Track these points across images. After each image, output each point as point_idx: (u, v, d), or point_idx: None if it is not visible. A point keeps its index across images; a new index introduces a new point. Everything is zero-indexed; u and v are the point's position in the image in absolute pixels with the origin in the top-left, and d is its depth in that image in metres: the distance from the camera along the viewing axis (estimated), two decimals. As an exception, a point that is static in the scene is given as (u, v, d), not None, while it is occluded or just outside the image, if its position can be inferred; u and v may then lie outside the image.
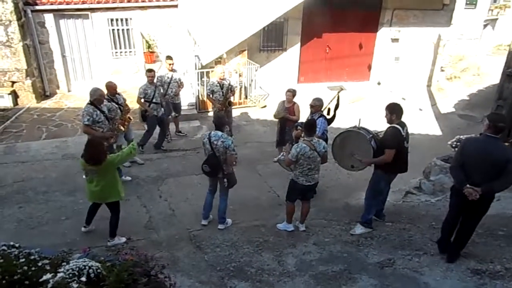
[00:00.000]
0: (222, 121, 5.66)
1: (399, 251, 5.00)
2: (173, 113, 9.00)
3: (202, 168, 5.59)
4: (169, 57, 8.64)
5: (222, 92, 8.36)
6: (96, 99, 6.40)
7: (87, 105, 6.43)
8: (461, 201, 4.31)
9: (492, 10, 17.63)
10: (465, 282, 4.33)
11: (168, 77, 8.52)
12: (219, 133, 5.46)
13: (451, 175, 4.43)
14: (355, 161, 5.46)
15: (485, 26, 17.64)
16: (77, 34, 11.90)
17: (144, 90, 7.87)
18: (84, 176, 5.30)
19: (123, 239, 5.54)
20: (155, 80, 8.15)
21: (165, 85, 8.51)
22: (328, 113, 6.78)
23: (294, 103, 7.60)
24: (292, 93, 7.59)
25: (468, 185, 4.14)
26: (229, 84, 8.58)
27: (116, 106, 7.08)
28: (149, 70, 8.05)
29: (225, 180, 5.63)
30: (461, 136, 6.67)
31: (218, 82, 8.38)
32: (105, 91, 6.97)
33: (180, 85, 8.73)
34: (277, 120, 7.89)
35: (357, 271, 4.67)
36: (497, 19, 18.35)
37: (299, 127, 6.36)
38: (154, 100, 7.90)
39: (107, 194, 5.26)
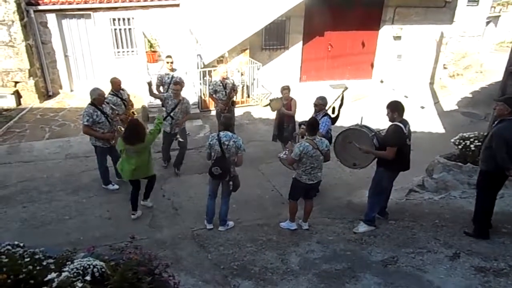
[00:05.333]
0: (231, 122, 5.63)
1: (402, 249, 5.00)
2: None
3: (212, 171, 5.42)
4: (168, 57, 8.59)
5: (225, 92, 8.34)
6: (96, 99, 6.43)
7: (88, 106, 6.47)
8: (500, 183, 4.94)
9: (494, 7, 17.56)
10: (469, 280, 4.32)
11: (168, 77, 8.46)
12: (229, 133, 5.44)
13: (500, 162, 4.62)
14: (357, 158, 5.46)
15: (487, 23, 17.55)
16: (80, 33, 11.92)
17: (166, 99, 7.38)
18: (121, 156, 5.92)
19: (151, 204, 6.38)
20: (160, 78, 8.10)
21: (165, 85, 8.48)
22: (333, 112, 6.76)
23: (292, 98, 7.62)
24: (288, 90, 7.60)
25: None
26: (233, 84, 8.56)
27: (121, 101, 7.21)
28: (175, 83, 7.39)
29: (231, 183, 5.57)
30: (464, 134, 6.67)
31: (221, 82, 8.36)
32: (110, 87, 7.18)
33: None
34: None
35: (361, 269, 4.67)
36: (499, 16, 18.28)
37: (302, 126, 6.35)
38: (172, 114, 7.26)
39: (146, 170, 5.95)
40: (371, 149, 5.20)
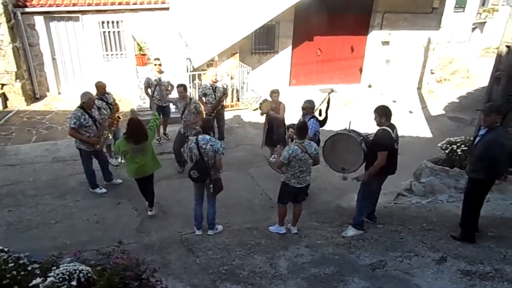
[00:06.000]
0: (210, 125, 5.63)
1: (390, 253, 5.03)
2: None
3: (190, 174, 5.46)
4: (157, 59, 8.68)
5: (215, 95, 8.35)
6: (85, 103, 6.42)
7: (76, 108, 6.44)
8: (489, 188, 5.01)
9: (480, 14, 17.86)
10: (455, 284, 4.36)
11: (155, 80, 8.50)
12: (207, 136, 5.40)
13: (501, 170, 4.80)
14: (346, 162, 5.49)
15: (473, 29, 17.85)
16: (68, 36, 11.82)
17: (176, 102, 7.63)
18: (121, 160, 6.05)
19: (155, 211, 6.30)
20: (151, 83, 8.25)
21: (152, 87, 8.53)
22: (320, 114, 6.82)
23: (280, 102, 7.66)
24: (277, 93, 7.63)
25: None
26: (224, 88, 8.55)
27: (106, 105, 7.19)
28: (179, 86, 7.50)
29: (211, 186, 5.54)
30: (451, 138, 6.75)
31: (211, 85, 8.37)
32: (95, 91, 7.11)
33: (167, 88, 8.65)
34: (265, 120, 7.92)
35: (349, 273, 4.69)
36: (485, 22, 18.60)
37: (291, 129, 6.37)
38: (183, 117, 7.45)
39: (151, 166, 6.01)
40: (369, 172, 5.22)
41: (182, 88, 7.43)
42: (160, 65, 8.55)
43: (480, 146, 4.80)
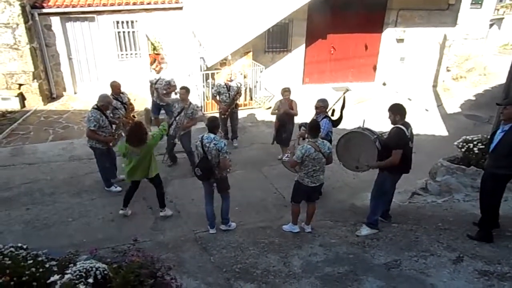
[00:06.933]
0: (215, 123, 5.60)
1: (405, 252, 4.98)
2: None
3: (194, 171, 5.50)
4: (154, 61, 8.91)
5: (229, 94, 8.39)
6: (103, 105, 6.53)
7: (94, 110, 6.50)
8: (505, 184, 5.00)
9: (498, 10, 17.52)
10: (472, 284, 4.30)
11: (155, 79, 8.67)
12: (212, 135, 5.42)
13: None
14: (360, 162, 5.45)
15: (491, 25, 17.51)
16: (83, 36, 11.98)
17: (174, 103, 7.59)
18: (124, 158, 5.95)
19: (171, 212, 6.27)
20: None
21: (153, 84, 8.73)
22: (333, 114, 6.77)
23: (292, 100, 7.65)
24: (289, 92, 7.68)
25: None
26: (238, 87, 8.58)
27: (121, 104, 7.29)
28: (182, 88, 7.42)
29: (214, 184, 5.56)
30: (468, 137, 6.64)
31: (225, 84, 8.41)
32: (110, 91, 7.24)
33: (168, 87, 8.66)
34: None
35: (363, 273, 4.66)
36: (503, 18, 18.24)
37: (302, 128, 6.36)
38: (177, 119, 7.35)
39: (146, 172, 5.91)
40: (380, 163, 5.19)
41: (184, 90, 7.33)
42: (158, 64, 8.80)
43: (509, 142, 4.67)
